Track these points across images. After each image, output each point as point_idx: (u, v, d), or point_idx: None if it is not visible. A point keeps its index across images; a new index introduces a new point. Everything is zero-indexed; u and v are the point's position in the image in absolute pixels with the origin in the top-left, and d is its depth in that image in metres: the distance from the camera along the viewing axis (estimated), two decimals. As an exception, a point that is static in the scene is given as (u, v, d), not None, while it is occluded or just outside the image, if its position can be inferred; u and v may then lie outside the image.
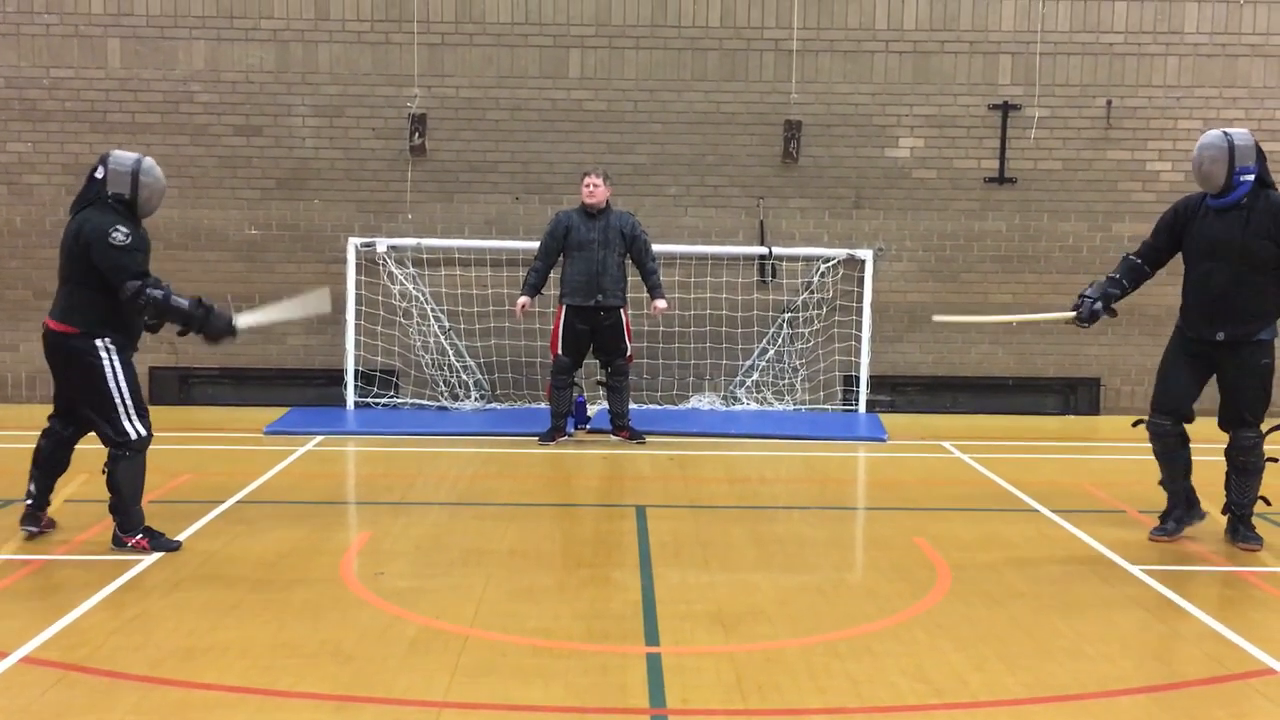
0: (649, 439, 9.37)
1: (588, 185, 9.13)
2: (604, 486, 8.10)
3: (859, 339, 10.91)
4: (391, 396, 10.89)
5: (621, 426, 9.39)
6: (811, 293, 11.07)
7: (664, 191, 11.14)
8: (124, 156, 5.88)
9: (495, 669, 4.42)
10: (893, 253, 11.14)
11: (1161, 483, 6.45)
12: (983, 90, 11.12)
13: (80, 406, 5.88)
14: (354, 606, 5.16)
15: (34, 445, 6.20)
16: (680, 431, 9.80)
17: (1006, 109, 11.09)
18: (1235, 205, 6.02)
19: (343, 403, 10.75)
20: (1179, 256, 6.35)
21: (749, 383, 11.13)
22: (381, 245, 10.80)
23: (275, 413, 10.20)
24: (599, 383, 9.70)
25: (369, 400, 10.81)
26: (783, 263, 11.09)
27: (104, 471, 5.89)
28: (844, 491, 8.22)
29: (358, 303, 10.81)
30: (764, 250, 11.02)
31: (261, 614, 5.05)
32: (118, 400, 5.77)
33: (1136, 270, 6.44)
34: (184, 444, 9.27)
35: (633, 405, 9.89)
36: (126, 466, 5.84)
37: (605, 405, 9.67)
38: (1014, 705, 4.16)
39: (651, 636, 4.82)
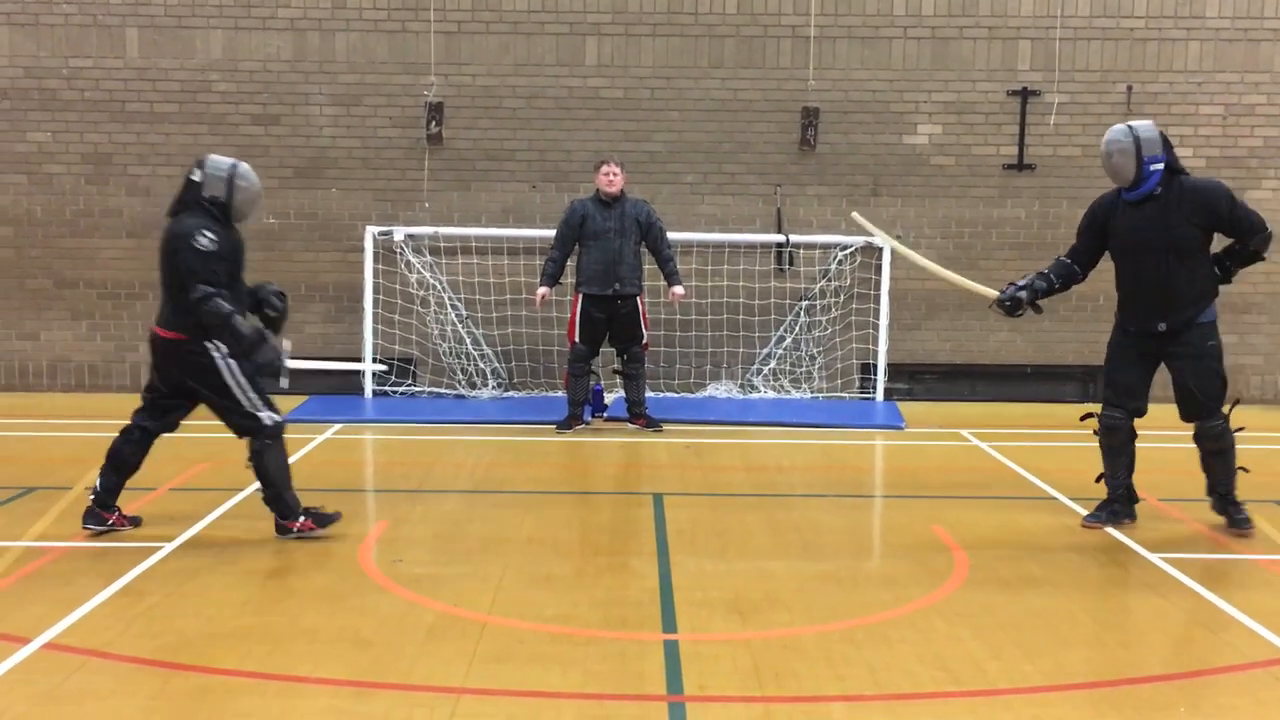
0: (666, 427, 9.37)
1: (607, 174, 9.12)
2: (621, 474, 8.11)
3: (877, 327, 10.88)
4: (409, 385, 10.91)
5: (638, 414, 9.40)
6: (829, 280, 11.04)
7: (681, 179, 11.12)
8: (221, 160, 5.95)
9: (513, 655, 4.43)
10: (911, 240, 11.09)
11: (1102, 477, 6.47)
12: (1002, 76, 11.05)
13: (208, 405, 5.93)
14: (372, 593, 5.19)
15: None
16: (697, 419, 9.80)
17: (1026, 95, 11.02)
18: (1150, 196, 6.02)
19: (361, 391, 10.78)
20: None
21: (766, 370, 11.12)
22: (399, 234, 10.82)
23: (293, 401, 10.23)
24: (615, 371, 9.70)
25: (387, 389, 10.84)
26: (800, 250, 11.06)
27: (248, 466, 5.93)
28: (861, 479, 8.20)
29: (375, 291, 10.84)
30: (781, 238, 10.99)
31: (281, 601, 5.08)
32: (239, 393, 5.84)
33: (1067, 270, 6.44)
34: (202, 433, 9.27)
35: (650, 393, 9.89)
36: (269, 455, 5.91)
37: (622, 393, 9.68)
38: (1032, 693, 4.15)
39: (669, 624, 4.83)
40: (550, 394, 10.89)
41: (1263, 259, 6.33)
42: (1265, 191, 11.14)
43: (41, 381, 11.20)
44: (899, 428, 9.62)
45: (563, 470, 8.10)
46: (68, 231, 11.08)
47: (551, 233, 9.51)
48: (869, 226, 7.65)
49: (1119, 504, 6.44)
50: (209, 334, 5.74)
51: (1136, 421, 6.37)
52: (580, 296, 9.21)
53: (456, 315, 10.92)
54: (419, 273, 10.85)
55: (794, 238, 10.99)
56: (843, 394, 11.03)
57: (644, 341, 9.39)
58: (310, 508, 6.03)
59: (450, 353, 10.89)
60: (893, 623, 4.86)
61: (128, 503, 6.63)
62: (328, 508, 6.13)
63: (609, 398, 10.15)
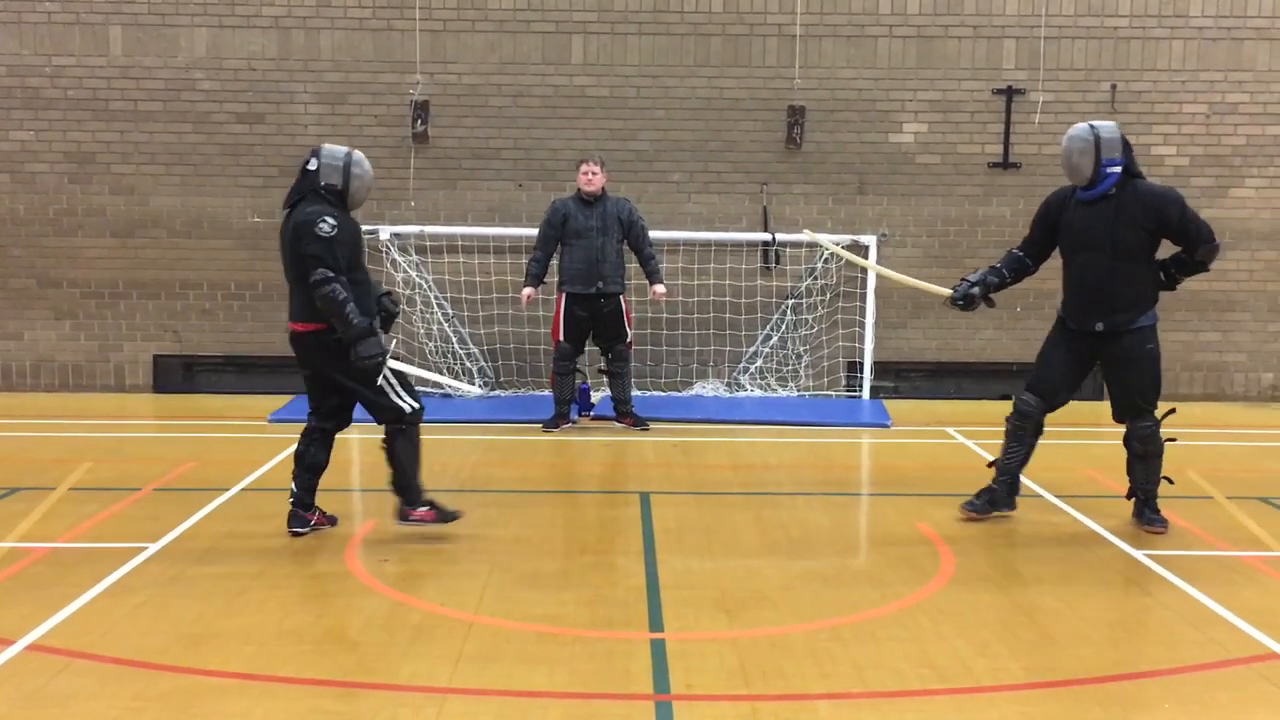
0: (652, 425, 9.37)
1: (586, 173, 9.11)
2: (608, 473, 8.11)
3: (863, 325, 10.89)
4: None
5: (625, 413, 9.40)
6: (815, 279, 11.06)
7: (667, 178, 11.12)
8: (335, 149, 5.98)
9: (499, 655, 4.43)
10: (896, 238, 11.11)
11: (994, 462, 6.49)
12: (987, 75, 11.08)
13: (347, 394, 5.95)
14: (358, 593, 5.18)
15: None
16: (684, 418, 9.80)
17: (1010, 93, 11.05)
18: (1104, 196, 6.06)
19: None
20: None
21: (753, 369, 11.13)
22: (384, 233, 10.79)
23: (279, 400, 10.21)
24: (600, 370, 9.70)
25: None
26: (786, 249, 11.07)
27: (383, 448, 5.97)
28: (848, 477, 8.21)
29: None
30: (767, 236, 11.00)
31: (266, 601, 5.06)
32: (383, 381, 5.86)
33: (1019, 262, 6.49)
34: (188, 432, 9.29)
35: (636, 392, 9.89)
36: (404, 441, 5.94)
37: (608, 392, 9.67)
38: (1017, 690, 4.16)
39: (655, 622, 4.83)
40: (536, 393, 10.88)
41: (1206, 270, 6.33)
42: (1248, 190, 11.20)
43: (25, 381, 11.14)
44: (885, 426, 9.64)
45: (549, 469, 8.09)
46: (51, 231, 11.02)
47: (537, 231, 9.50)
48: (821, 240, 7.68)
49: (1000, 491, 6.45)
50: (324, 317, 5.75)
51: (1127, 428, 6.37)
52: (564, 295, 9.20)
53: (442, 314, 10.90)
54: (405, 272, 10.82)
55: (780, 236, 11.00)
56: (829, 392, 11.04)
57: (628, 340, 9.39)
58: (434, 501, 6.04)
59: (436, 351, 10.86)
60: (879, 621, 4.87)
61: (111, 504, 6.62)
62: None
63: (595, 396, 10.14)
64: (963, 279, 6.61)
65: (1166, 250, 6.26)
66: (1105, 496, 7.15)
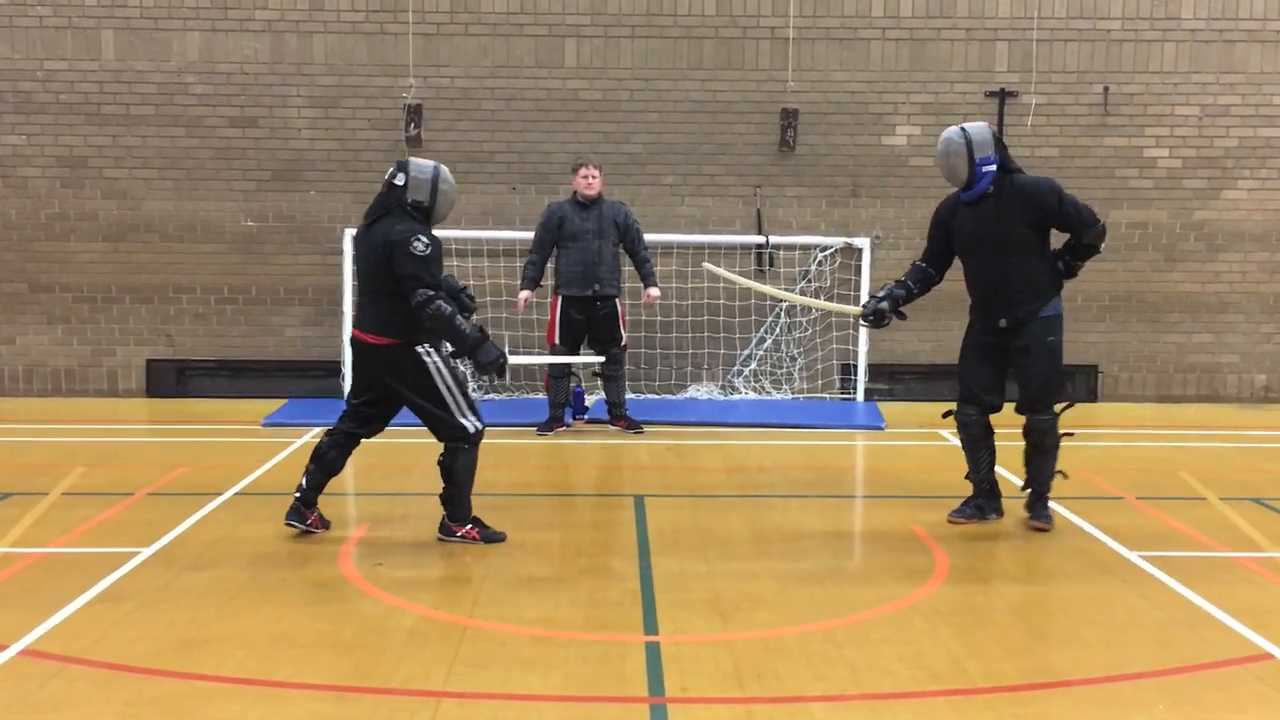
0: (647, 429, 9.37)
1: (585, 176, 9.11)
2: (602, 476, 8.10)
3: (856, 327, 10.90)
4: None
5: (619, 416, 9.39)
6: (809, 281, 11.06)
7: (660, 181, 11.12)
8: (424, 164, 5.96)
9: (494, 659, 4.42)
10: (890, 241, 11.12)
11: (967, 476, 6.52)
12: (979, 77, 11.10)
13: (412, 409, 5.95)
14: (353, 597, 5.17)
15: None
16: (678, 421, 9.81)
17: (1003, 96, 11.07)
18: (984, 196, 6.12)
19: (340, 394, 10.71)
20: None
21: (747, 372, 11.13)
22: (378, 236, 10.77)
23: (273, 405, 10.20)
24: (594, 373, 9.69)
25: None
26: (780, 251, 11.08)
27: (439, 463, 5.96)
28: (842, 480, 8.22)
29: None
30: (761, 239, 11.01)
31: (260, 605, 5.05)
32: (449, 399, 5.86)
33: (923, 274, 6.52)
34: (181, 436, 9.27)
35: (631, 395, 9.89)
36: (464, 459, 5.93)
37: (603, 395, 9.67)
38: (1012, 691, 4.16)
39: (650, 625, 4.83)
40: (531, 396, 10.87)
41: (1099, 252, 6.37)
42: (1240, 191, 11.23)
43: (17, 386, 11.11)
44: (879, 428, 9.65)
45: (544, 472, 8.09)
46: (43, 235, 11.00)
47: (531, 235, 9.50)
48: (723, 273, 7.67)
49: (983, 499, 6.49)
50: (429, 336, 5.78)
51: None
52: (559, 298, 9.20)
53: (436, 318, 10.87)
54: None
55: (774, 239, 11.01)
56: (823, 395, 11.05)
57: (622, 343, 9.39)
58: (480, 520, 6.05)
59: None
60: (873, 622, 4.87)
61: (104, 509, 6.61)
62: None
63: (590, 400, 10.13)
64: (871, 296, 6.70)
65: (1060, 241, 6.30)
66: (1099, 498, 7.16)
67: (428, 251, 5.73)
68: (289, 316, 11.05)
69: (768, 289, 7.86)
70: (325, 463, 6.06)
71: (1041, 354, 6.20)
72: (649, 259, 9.35)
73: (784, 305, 11.02)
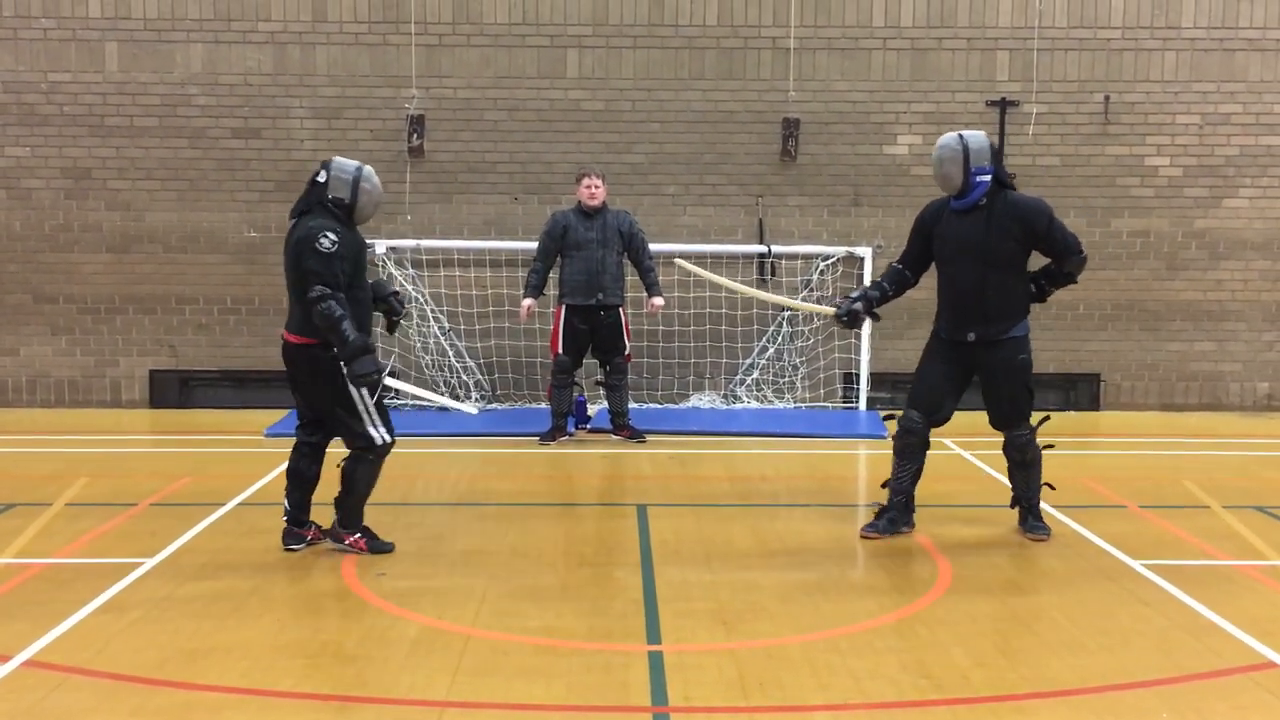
0: (649, 438, 9.37)
1: (588, 186, 9.13)
2: (605, 486, 8.11)
3: (859, 336, 10.91)
4: (392, 397, 10.87)
5: (622, 425, 9.40)
6: (811, 290, 11.07)
7: (662, 190, 11.15)
8: (346, 163, 5.95)
9: (497, 668, 4.42)
10: (892, 250, 11.10)
11: (886, 482, 6.45)
12: (980, 87, 11.12)
13: (325, 412, 5.93)
14: (356, 607, 5.17)
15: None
16: (681, 430, 9.81)
17: (1004, 105, 11.09)
18: (975, 206, 6.07)
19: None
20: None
21: (749, 381, 11.14)
22: (380, 247, 10.80)
23: (276, 415, 10.20)
24: (598, 382, 9.70)
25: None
26: (782, 261, 11.09)
27: (339, 466, 5.96)
28: (845, 489, 8.22)
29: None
30: (763, 248, 11.02)
31: (263, 615, 5.06)
32: (360, 407, 5.84)
33: (899, 275, 6.48)
34: (185, 447, 9.29)
35: (633, 404, 9.89)
36: (365, 468, 5.92)
37: (605, 405, 9.68)
38: (1016, 700, 4.16)
39: (653, 635, 4.83)
40: (533, 406, 10.88)
41: (1075, 281, 6.35)
42: (1242, 200, 11.24)
43: (21, 397, 11.13)
44: (882, 437, 9.63)
45: (546, 482, 8.09)
46: (47, 246, 11.03)
47: (534, 245, 9.51)
48: (694, 269, 7.64)
49: (897, 511, 6.40)
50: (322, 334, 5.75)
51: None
52: (563, 308, 9.21)
53: (439, 328, 10.90)
54: (401, 285, 10.83)
55: (776, 248, 11.02)
56: (825, 404, 11.05)
57: (626, 353, 9.40)
58: (369, 530, 6.04)
59: (433, 365, 10.87)
60: (877, 631, 4.87)
61: (108, 519, 6.62)
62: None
63: (592, 409, 10.14)
64: (846, 295, 6.64)
65: (1037, 262, 6.27)
66: (1102, 506, 7.16)
67: (333, 249, 5.68)
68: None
69: (740, 287, 7.75)
70: (300, 479, 6.04)
71: (1014, 372, 6.16)
72: (653, 268, 9.36)
73: (786, 314, 11.03)
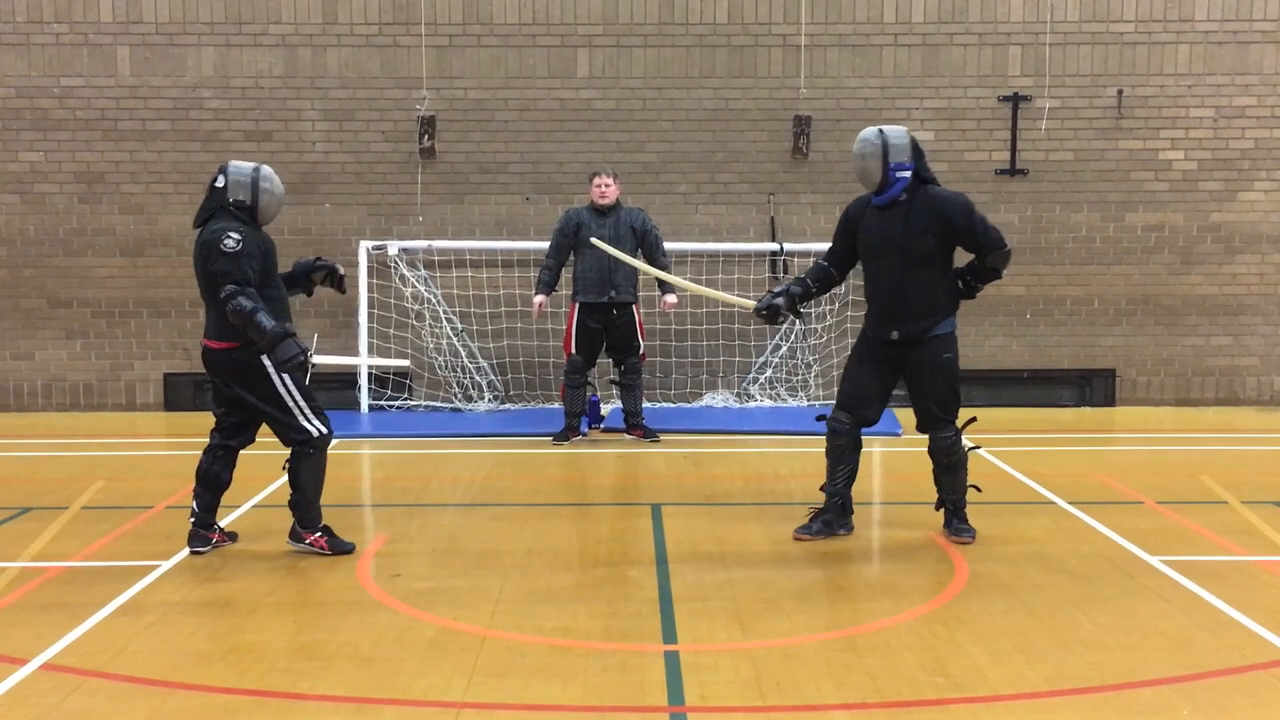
0: (663, 437, 9.36)
1: (599, 185, 9.12)
2: (619, 485, 8.10)
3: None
4: (405, 399, 10.90)
5: (635, 425, 9.39)
6: (824, 288, 11.02)
7: (674, 189, 11.13)
8: (243, 165, 5.95)
9: (513, 669, 4.41)
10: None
11: (822, 487, 6.38)
12: (993, 82, 11.08)
13: (256, 414, 5.93)
14: (371, 609, 5.17)
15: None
16: (694, 429, 9.80)
17: (1017, 100, 11.05)
18: (895, 202, 5.97)
19: (356, 406, 10.76)
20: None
21: (762, 379, 11.12)
22: (393, 248, 10.82)
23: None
24: (612, 382, 9.69)
25: (382, 403, 10.83)
26: (795, 258, 11.07)
27: (284, 469, 5.98)
28: (859, 486, 8.13)
29: (370, 306, 10.83)
30: (776, 246, 11.00)
31: (279, 617, 5.06)
32: (291, 403, 5.83)
33: (824, 273, 6.38)
34: (199, 449, 9.26)
35: (646, 404, 9.88)
36: (308, 464, 5.92)
37: (619, 404, 9.67)
38: (1034, 698, 4.14)
39: (669, 634, 4.81)
40: (547, 406, 10.88)
41: (1000, 277, 6.21)
42: (1257, 193, 11.18)
43: (36, 401, 11.17)
44: (896, 434, 9.60)
45: (560, 482, 8.09)
46: (61, 251, 11.08)
47: (545, 244, 9.51)
48: (612, 252, 7.58)
49: (832, 514, 6.33)
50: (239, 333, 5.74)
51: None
52: (576, 307, 9.21)
53: (452, 328, 10.91)
54: (413, 286, 10.84)
55: (788, 246, 11.00)
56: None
57: (640, 352, 9.38)
58: (330, 529, 6.04)
59: (446, 366, 10.88)
60: (894, 630, 4.84)
61: (124, 522, 6.64)
62: (325, 523, 6.10)
63: (606, 409, 10.13)
64: (769, 290, 6.57)
65: (964, 258, 6.14)
66: (1118, 502, 7.12)
67: (237, 247, 5.67)
68: (304, 329, 11.00)
69: (667, 276, 7.66)
70: (210, 481, 6.02)
71: (938, 371, 6.05)
72: (668, 266, 9.34)
73: (799, 312, 10.99)
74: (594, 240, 7.95)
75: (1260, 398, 11.34)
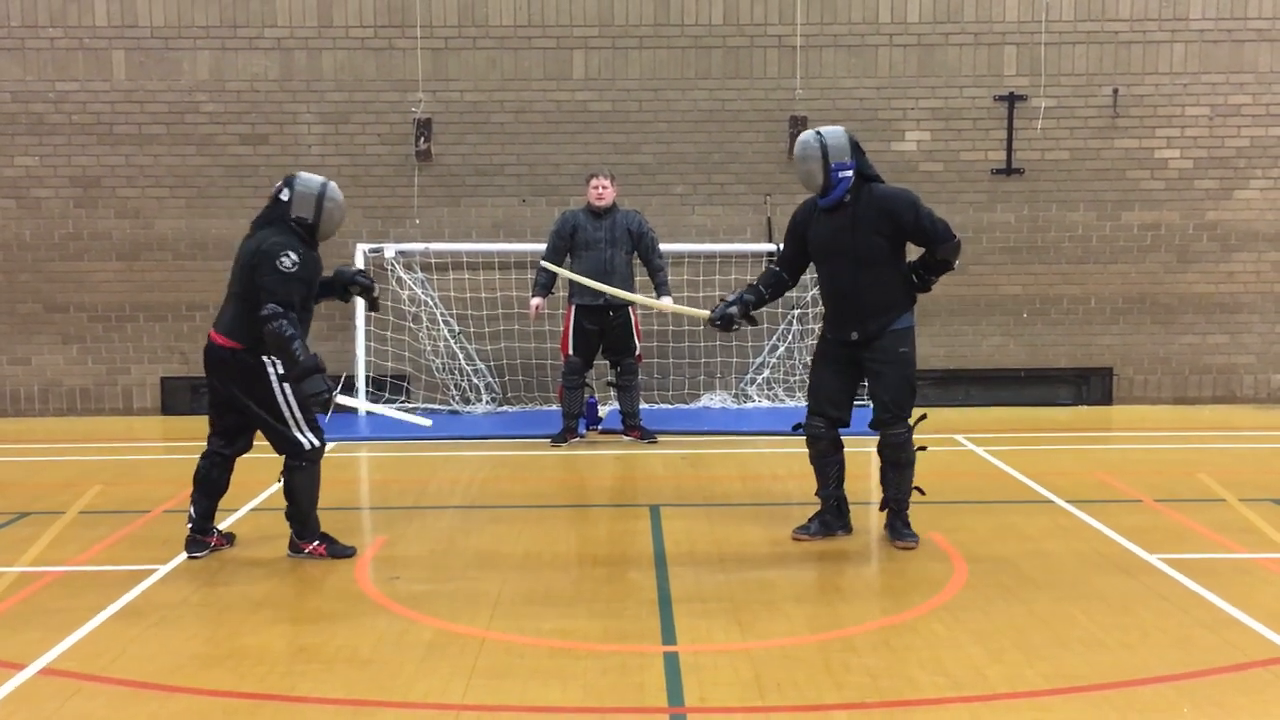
0: (661, 438, 9.36)
1: (596, 187, 9.12)
2: (617, 487, 8.09)
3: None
4: (403, 401, 10.89)
5: (633, 426, 9.38)
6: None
7: (670, 190, 11.13)
8: (310, 180, 5.90)
9: (512, 671, 4.41)
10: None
11: (817, 492, 6.37)
12: (988, 82, 11.09)
13: (251, 419, 5.90)
14: (370, 611, 5.16)
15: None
16: (692, 430, 9.80)
17: (1012, 100, 11.06)
18: (840, 203, 5.95)
19: (354, 409, 10.74)
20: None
21: (760, 380, 11.12)
22: (389, 251, 10.81)
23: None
24: (609, 383, 9.69)
25: (380, 406, 10.81)
26: (791, 259, 11.05)
27: (280, 481, 5.94)
28: (857, 487, 8.16)
29: (367, 308, 10.81)
30: (772, 247, 10.99)
31: (278, 620, 5.06)
32: (286, 412, 5.81)
33: (776, 278, 6.35)
34: (196, 453, 9.24)
35: (644, 405, 9.89)
36: (302, 476, 5.88)
37: (616, 406, 9.66)
38: (1033, 697, 4.14)
39: (669, 635, 4.81)
40: (544, 408, 10.87)
41: (952, 268, 6.18)
42: (1253, 191, 11.19)
43: (33, 406, 11.16)
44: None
45: (558, 484, 8.08)
46: (57, 255, 11.06)
47: (542, 247, 9.50)
48: (557, 269, 7.67)
49: (830, 515, 6.33)
50: (269, 350, 5.73)
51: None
52: (573, 309, 9.20)
53: (449, 331, 10.91)
54: (410, 289, 10.84)
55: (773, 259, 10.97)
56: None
57: (637, 353, 9.38)
58: (328, 535, 6.03)
59: (443, 368, 10.87)
60: (893, 629, 4.85)
61: (121, 527, 6.63)
62: (323, 526, 6.09)
63: (603, 410, 10.13)
64: (721, 299, 6.53)
65: (916, 253, 6.13)
66: (1116, 501, 7.13)
67: (293, 270, 5.66)
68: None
69: (611, 289, 7.71)
70: (207, 487, 6.01)
71: (893, 365, 6.02)
72: (663, 268, 9.33)
73: (795, 313, 11.01)
74: (545, 264, 8.01)
75: (1257, 395, 11.36)
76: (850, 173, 5.93)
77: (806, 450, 6.36)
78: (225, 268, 10.99)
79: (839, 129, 6.03)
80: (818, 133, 5.97)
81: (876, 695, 4.14)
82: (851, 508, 6.68)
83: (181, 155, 10.98)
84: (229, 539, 6.22)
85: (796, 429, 6.46)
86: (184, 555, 5.99)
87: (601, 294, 9.05)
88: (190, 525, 6.02)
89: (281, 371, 5.76)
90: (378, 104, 11.02)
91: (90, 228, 11.05)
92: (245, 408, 5.86)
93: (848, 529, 6.40)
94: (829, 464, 6.30)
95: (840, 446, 6.31)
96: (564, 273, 8.02)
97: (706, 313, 6.46)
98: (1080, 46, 11.07)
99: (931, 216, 5.99)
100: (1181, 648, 4.63)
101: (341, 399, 5.97)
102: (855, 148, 5.97)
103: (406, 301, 10.85)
